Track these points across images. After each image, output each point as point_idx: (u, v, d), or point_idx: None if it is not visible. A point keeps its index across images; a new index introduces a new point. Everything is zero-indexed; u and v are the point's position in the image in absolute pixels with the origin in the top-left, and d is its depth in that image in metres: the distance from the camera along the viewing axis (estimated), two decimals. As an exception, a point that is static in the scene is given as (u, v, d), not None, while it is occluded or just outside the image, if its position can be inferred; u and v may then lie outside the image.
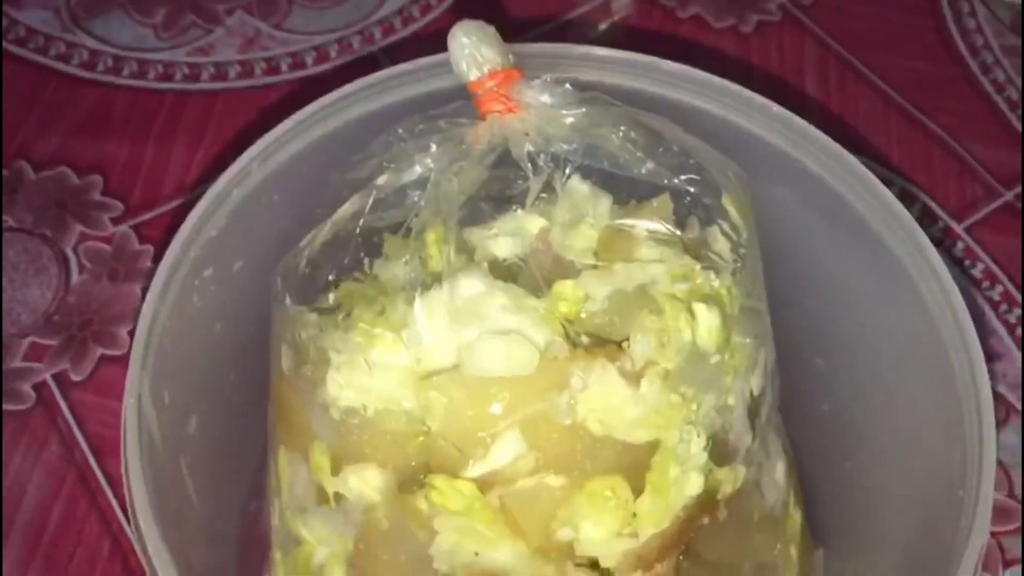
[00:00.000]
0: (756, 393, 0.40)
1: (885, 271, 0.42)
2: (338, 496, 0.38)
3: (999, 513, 0.57)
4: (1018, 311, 0.64)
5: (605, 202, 0.41)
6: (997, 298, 0.64)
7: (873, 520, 0.45)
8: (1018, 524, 0.57)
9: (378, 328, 0.37)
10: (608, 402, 0.36)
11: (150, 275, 0.43)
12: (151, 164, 0.65)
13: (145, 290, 0.39)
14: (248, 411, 0.44)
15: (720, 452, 0.39)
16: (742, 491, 0.40)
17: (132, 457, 0.34)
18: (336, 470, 0.38)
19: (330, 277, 0.37)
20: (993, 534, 0.56)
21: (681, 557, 0.40)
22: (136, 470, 0.34)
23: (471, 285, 0.38)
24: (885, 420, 0.44)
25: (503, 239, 0.41)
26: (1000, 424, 0.61)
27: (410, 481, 0.38)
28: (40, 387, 0.57)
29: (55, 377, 0.58)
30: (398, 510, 0.37)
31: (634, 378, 0.37)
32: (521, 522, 0.37)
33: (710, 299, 0.37)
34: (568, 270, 0.39)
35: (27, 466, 0.55)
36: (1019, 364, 0.62)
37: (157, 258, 0.50)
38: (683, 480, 0.37)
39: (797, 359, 0.46)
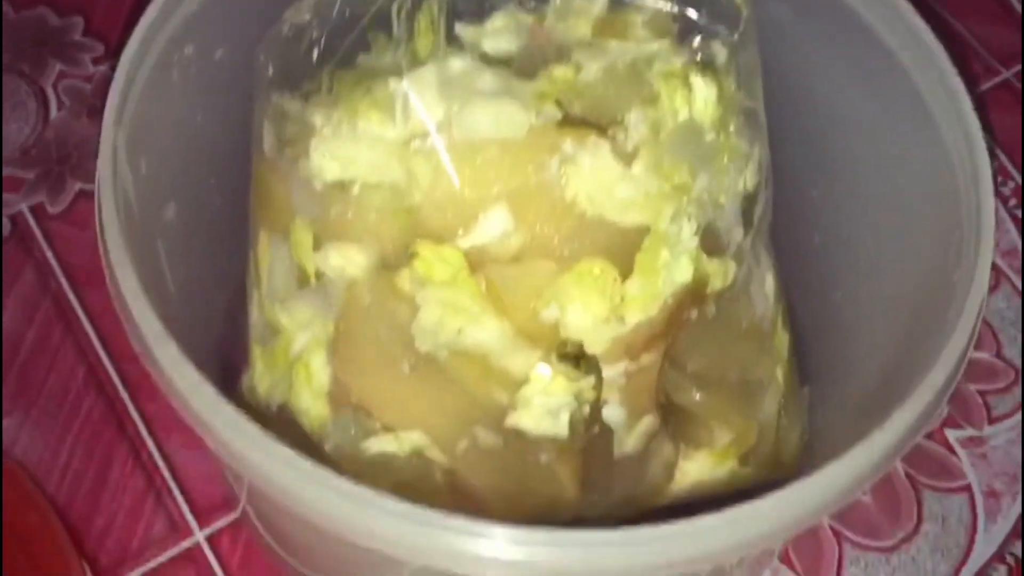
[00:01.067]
0: (750, 188, 0.39)
1: (888, 81, 0.41)
2: (319, 275, 0.37)
3: (987, 371, 0.56)
4: (1011, 184, 0.63)
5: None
6: (993, 172, 0.63)
7: (857, 345, 0.44)
8: (1005, 383, 0.56)
9: (364, 102, 0.36)
10: (599, 179, 0.35)
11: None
12: (133, 6, 0.64)
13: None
14: (228, 229, 0.42)
15: (711, 243, 0.38)
16: (731, 291, 0.39)
17: (107, 207, 0.33)
18: (318, 246, 0.37)
19: (314, 36, 0.36)
20: (980, 392, 0.56)
21: (667, 366, 0.39)
22: (111, 217, 0.33)
23: (461, 64, 0.37)
24: (878, 238, 0.43)
25: (496, 34, 0.40)
26: (991, 290, 0.60)
27: (393, 261, 0.37)
28: (16, 218, 0.56)
29: (31, 209, 0.56)
30: (380, 286, 0.36)
31: (627, 158, 0.36)
32: (506, 300, 0.36)
33: (707, 71, 0.36)
34: (563, 58, 0.38)
35: (-1, 294, 0.54)
36: (1012, 234, 0.61)
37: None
38: (673, 265, 0.37)
39: (791, 190, 0.45)
